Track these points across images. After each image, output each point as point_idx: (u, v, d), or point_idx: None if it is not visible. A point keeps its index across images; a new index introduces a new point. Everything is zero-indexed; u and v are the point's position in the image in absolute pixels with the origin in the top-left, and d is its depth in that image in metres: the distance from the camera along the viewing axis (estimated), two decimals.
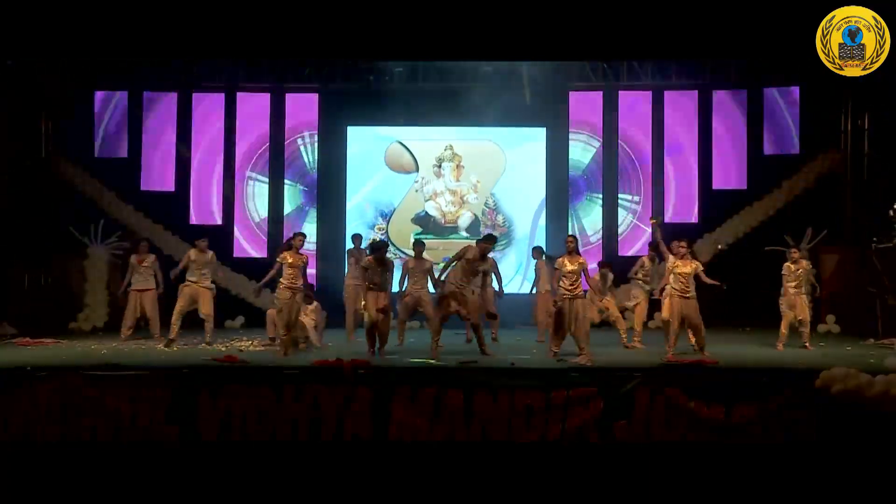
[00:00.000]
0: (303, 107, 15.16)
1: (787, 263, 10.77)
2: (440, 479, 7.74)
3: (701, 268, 9.69)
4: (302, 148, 15.16)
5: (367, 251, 10.28)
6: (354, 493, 7.72)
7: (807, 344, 10.53)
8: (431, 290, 10.18)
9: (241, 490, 7.75)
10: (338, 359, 8.57)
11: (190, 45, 10.12)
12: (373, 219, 15.02)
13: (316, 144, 15.10)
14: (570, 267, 9.39)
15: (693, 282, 9.54)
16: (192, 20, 9.58)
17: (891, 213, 12.16)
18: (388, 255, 10.40)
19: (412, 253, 10.81)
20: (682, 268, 9.54)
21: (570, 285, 9.34)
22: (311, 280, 10.58)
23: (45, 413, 7.90)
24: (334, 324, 12.24)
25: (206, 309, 10.80)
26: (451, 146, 15.05)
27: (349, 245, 12.59)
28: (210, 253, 10.98)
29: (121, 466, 7.78)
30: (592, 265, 11.54)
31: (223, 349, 10.22)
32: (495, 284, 10.43)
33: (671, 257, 9.73)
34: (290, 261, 9.74)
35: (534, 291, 11.96)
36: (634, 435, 7.84)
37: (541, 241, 14.40)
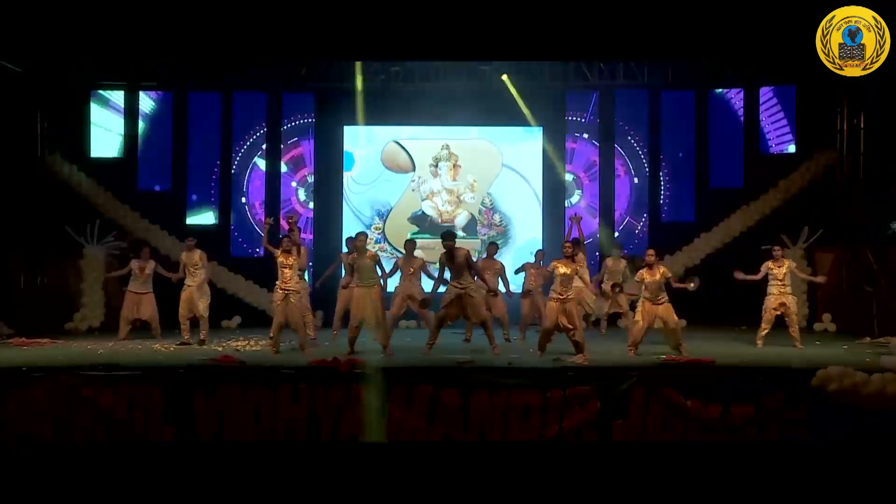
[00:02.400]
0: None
1: (769, 263, 10.72)
2: (437, 479, 7.73)
3: (669, 274, 9.73)
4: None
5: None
6: (351, 494, 7.71)
7: (797, 343, 10.52)
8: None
9: (237, 490, 7.74)
10: (334, 358, 8.57)
11: (187, 45, 10.11)
12: (369, 218, 15.01)
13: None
14: (563, 270, 9.41)
15: (663, 288, 9.58)
16: (190, 21, 9.57)
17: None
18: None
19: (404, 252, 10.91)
20: (650, 276, 9.60)
21: (563, 289, 9.35)
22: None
23: (41, 413, 7.88)
24: (330, 324, 12.23)
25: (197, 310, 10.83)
26: (447, 145, 15.04)
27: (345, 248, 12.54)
28: (197, 252, 10.93)
29: (117, 467, 7.77)
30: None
31: (219, 349, 10.21)
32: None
33: (641, 271, 9.75)
34: (280, 260, 9.76)
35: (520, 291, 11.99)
36: (631, 434, 7.85)
37: (538, 241, 14.47)
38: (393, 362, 8.96)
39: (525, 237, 14.91)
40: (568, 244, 9.65)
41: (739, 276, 10.60)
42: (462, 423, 7.86)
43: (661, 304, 9.59)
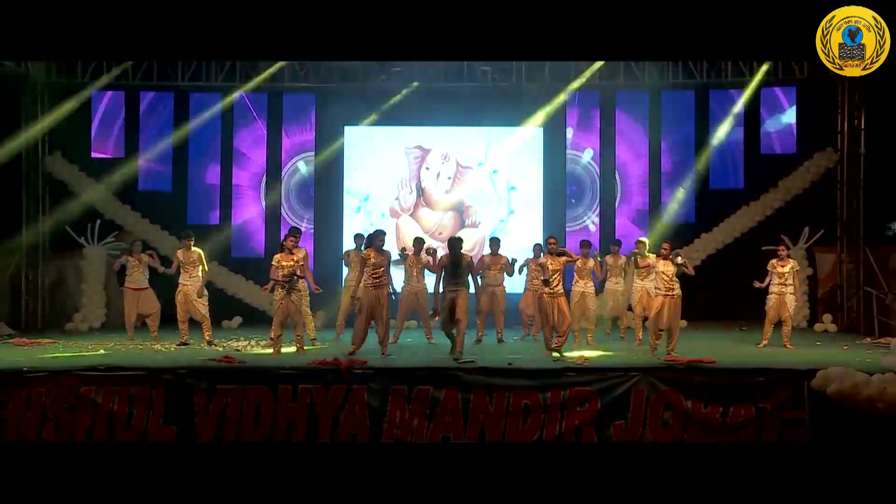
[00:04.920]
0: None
1: (774, 261, 10.73)
2: (437, 480, 7.74)
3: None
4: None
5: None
6: (351, 494, 7.71)
7: (787, 344, 10.50)
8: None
9: (237, 490, 7.75)
10: (335, 359, 8.58)
11: (187, 45, 10.10)
12: (370, 220, 15.01)
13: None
14: (553, 267, 9.48)
15: (677, 280, 9.58)
16: (190, 20, 9.56)
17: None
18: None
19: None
20: (665, 268, 9.61)
21: (554, 285, 9.42)
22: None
23: (41, 413, 7.89)
24: (332, 325, 12.24)
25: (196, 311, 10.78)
26: (448, 147, 15.03)
27: (348, 246, 12.50)
28: (196, 251, 10.80)
29: (117, 467, 7.77)
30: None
31: (220, 349, 10.21)
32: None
33: (653, 258, 9.75)
34: (283, 263, 9.80)
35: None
36: (631, 435, 7.85)
37: (538, 242, 14.46)
38: (393, 362, 8.97)
39: (525, 238, 14.87)
40: (552, 239, 9.84)
41: (757, 285, 10.74)
42: (462, 423, 7.87)
43: (674, 296, 9.56)
